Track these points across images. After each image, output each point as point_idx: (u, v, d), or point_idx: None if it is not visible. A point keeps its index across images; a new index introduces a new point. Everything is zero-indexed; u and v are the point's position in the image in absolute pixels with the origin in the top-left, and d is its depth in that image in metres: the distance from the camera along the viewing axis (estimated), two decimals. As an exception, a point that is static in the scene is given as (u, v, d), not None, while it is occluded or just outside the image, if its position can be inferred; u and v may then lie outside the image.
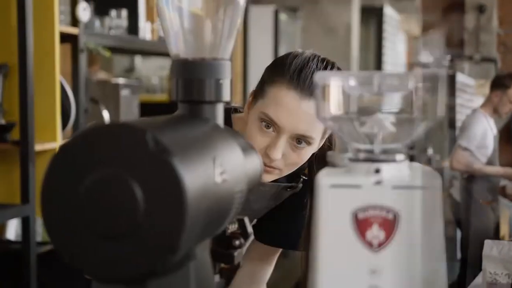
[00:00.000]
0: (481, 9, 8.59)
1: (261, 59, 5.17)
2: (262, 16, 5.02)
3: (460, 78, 6.63)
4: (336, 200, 0.66)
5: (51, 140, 2.44)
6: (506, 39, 9.56)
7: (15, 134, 2.36)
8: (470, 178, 4.21)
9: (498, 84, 4.17)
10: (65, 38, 2.60)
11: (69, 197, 0.60)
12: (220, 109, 0.78)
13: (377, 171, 0.66)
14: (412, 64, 8.94)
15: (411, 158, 0.72)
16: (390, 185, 0.65)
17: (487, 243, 1.95)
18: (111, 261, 0.60)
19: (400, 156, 0.67)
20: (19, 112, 2.33)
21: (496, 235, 4.22)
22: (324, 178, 0.66)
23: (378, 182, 0.65)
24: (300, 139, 1.22)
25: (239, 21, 0.80)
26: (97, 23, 2.91)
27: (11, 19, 2.39)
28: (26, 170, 2.27)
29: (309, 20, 5.62)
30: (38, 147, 2.36)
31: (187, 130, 0.68)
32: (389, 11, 7.67)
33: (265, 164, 1.22)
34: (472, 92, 6.70)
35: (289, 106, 1.19)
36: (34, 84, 2.34)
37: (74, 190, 0.60)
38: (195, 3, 0.78)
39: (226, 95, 0.78)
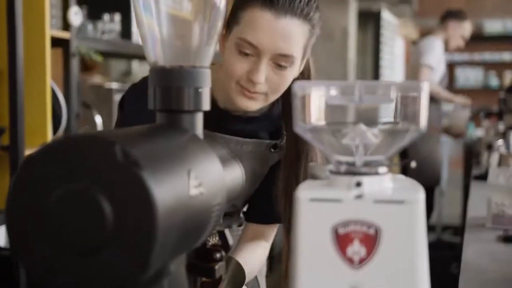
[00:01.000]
0: None
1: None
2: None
3: (385, 16, 6.79)
4: (316, 215, 0.63)
5: (41, 145, 2.41)
6: None
7: (4, 140, 2.33)
8: None
9: (454, 16, 4.40)
10: (57, 42, 2.57)
11: (35, 211, 0.58)
12: (199, 118, 0.75)
13: (358, 184, 0.63)
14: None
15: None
16: (371, 200, 0.62)
17: (493, 170, 1.82)
18: (80, 278, 0.57)
19: (382, 169, 0.65)
20: (9, 117, 2.30)
21: (436, 171, 4.25)
22: (304, 192, 0.64)
23: (359, 196, 0.63)
24: (280, 61, 1.20)
25: (219, 26, 0.78)
26: (89, 27, 2.88)
27: (1, 23, 2.36)
28: (16, 176, 2.24)
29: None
30: (28, 152, 2.33)
31: (161, 141, 0.65)
32: (386, 16, 7.65)
33: (249, 91, 1.22)
34: (394, 31, 6.99)
35: (266, 27, 1.18)
36: (24, 88, 2.31)
37: (41, 204, 0.58)
38: (174, 9, 0.76)
39: (205, 104, 0.75)
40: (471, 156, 4.39)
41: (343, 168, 0.65)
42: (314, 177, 0.70)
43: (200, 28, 0.76)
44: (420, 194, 0.62)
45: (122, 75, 5.02)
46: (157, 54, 0.75)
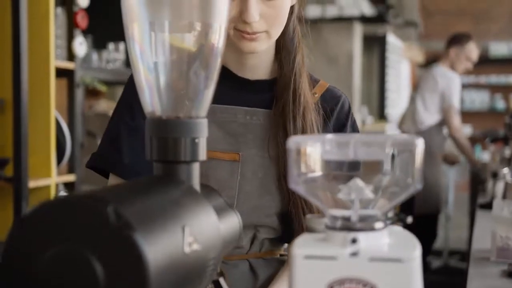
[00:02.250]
0: None
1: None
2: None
3: (391, 39, 6.80)
4: (311, 272, 0.63)
5: (45, 176, 2.42)
6: (428, 3, 9.71)
7: (8, 171, 2.33)
8: (427, 131, 4.33)
9: (455, 41, 4.44)
10: (62, 72, 2.59)
11: (27, 272, 0.57)
12: (196, 169, 0.75)
13: (354, 241, 0.63)
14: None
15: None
16: (367, 257, 0.62)
17: (497, 202, 1.77)
18: None
19: (379, 224, 0.64)
20: (13, 148, 2.30)
21: (438, 198, 4.23)
22: (299, 248, 0.63)
23: (354, 254, 0.62)
24: None
25: (215, 76, 0.77)
26: (94, 56, 2.90)
27: (6, 54, 2.37)
28: (20, 207, 2.24)
29: (312, 49, 5.58)
30: (32, 183, 2.33)
31: (155, 197, 0.65)
32: (391, 39, 7.67)
33: (247, 33, 1.16)
34: (400, 54, 6.99)
35: None
36: (28, 119, 2.32)
37: (33, 264, 0.57)
38: (171, 58, 0.76)
39: (202, 154, 0.75)
40: (477, 181, 4.37)
41: (338, 223, 0.65)
42: (311, 230, 0.70)
43: (198, 76, 0.76)
44: (416, 251, 0.62)
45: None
46: (153, 104, 0.75)
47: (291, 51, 1.28)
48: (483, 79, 9.91)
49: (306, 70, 1.29)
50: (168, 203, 0.65)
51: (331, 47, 5.80)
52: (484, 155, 6.22)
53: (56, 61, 2.51)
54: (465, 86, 9.94)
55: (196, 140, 0.74)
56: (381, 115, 7.63)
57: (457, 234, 5.85)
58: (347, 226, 0.64)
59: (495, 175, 3.05)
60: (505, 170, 2.97)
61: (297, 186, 0.66)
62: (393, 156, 0.63)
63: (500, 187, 2.85)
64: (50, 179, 2.45)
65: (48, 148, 2.41)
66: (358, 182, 0.65)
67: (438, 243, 5.44)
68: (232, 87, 1.26)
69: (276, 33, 1.20)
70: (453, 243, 5.66)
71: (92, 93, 3.71)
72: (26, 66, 2.32)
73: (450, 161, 4.66)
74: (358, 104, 6.25)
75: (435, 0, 10.00)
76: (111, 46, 3.00)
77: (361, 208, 0.65)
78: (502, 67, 9.79)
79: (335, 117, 1.30)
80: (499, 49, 9.84)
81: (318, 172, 0.66)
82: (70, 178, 2.60)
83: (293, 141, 0.65)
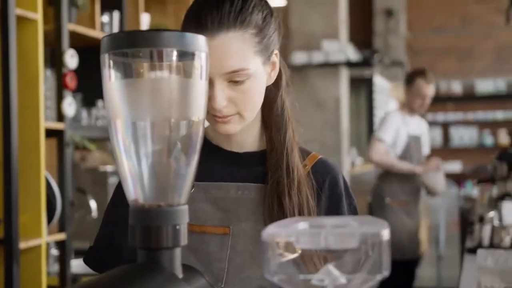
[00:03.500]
0: (389, 13, 8.89)
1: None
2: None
3: (377, 80, 6.88)
4: None
5: (36, 236, 2.44)
6: (413, 43, 9.87)
7: (-1, 232, 2.36)
8: (383, 176, 4.33)
9: (406, 81, 4.47)
10: (51, 133, 2.63)
11: None
12: (178, 253, 0.79)
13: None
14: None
15: None
16: None
17: (481, 252, 1.78)
18: None
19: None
20: (3, 210, 2.33)
21: (412, 244, 4.18)
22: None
23: None
24: (234, 77, 1.15)
25: (195, 164, 0.81)
26: (84, 113, 2.95)
27: (-4, 116, 2.42)
28: (11, 269, 2.26)
29: (299, 95, 5.66)
30: (23, 244, 2.35)
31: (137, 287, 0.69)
32: (378, 80, 7.78)
33: (218, 117, 1.17)
34: (387, 94, 7.05)
35: None
36: (19, 181, 2.36)
37: None
38: (152, 149, 0.80)
39: (183, 239, 0.79)
40: (467, 222, 4.40)
41: (313, 309, 0.68)
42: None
43: (178, 166, 0.80)
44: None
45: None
46: (136, 192, 0.79)
47: (281, 128, 1.28)
48: (470, 115, 10.03)
49: (297, 143, 1.29)
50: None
51: (318, 92, 5.89)
52: (474, 191, 6.26)
53: (46, 122, 2.55)
54: (453, 123, 10.07)
55: (177, 227, 0.78)
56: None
57: (452, 273, 5.86)
58: (321, 311, 0.68)
59: (481, 219, 3.08)
60: (491, 214, 3.00)
61: (273, 276, 0.69)
62: (361, 246, 0.67)
63: (487, 230, 2.88)
64: (40, 239, 2.47)
65: (38, 208, 2.44)
66: (331, 268, 0.69)
67: (431, 283, 5.44)
68: (223, 163, 1.28)
69: (250, 114, 1.21)
70: (447, 282, 5.66)
71: (83, 147, 3.75)
72: (16, 127, 2.37)
73: (430, 193, 4.63)
74: (347, 147, 6.31)
75: (421, 39, 10.17)
76: (100, 103, 3.05)
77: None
78: (489, 104, 9.92)
79: (328, 189, 1.29)
80: (485, 86, 9.99)
81: (292, 261, 0.70)
82: (61, 236, 2.62)
83: (267, 233, 0.69)
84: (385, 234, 0.67)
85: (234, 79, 1.16)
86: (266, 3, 1.22)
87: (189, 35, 0.79)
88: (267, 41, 1.20)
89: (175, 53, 0.79)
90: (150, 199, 0.79)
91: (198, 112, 0.80)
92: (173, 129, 0.79)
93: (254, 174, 1.28)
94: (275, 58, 1.25)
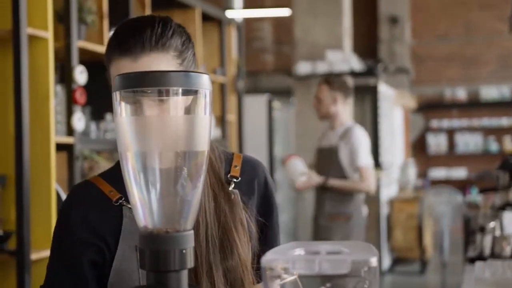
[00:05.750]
0: (393, 20, 8.91)
1: (256, 146, 5.29)
2: (256, 105, 5.16)
3: (382, 88, 6.95)
4: None
5: (47, 248, 2.50)
6: (418, 50, 9.93)
7: (11, 244, 2.43)
8: (321, 191, 4.02)
9: None
10: (62, 147, 2.71)
11: None
12: (184, 275, 0.86)
13: None
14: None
15: None
16: None
17: (478, 265, 1.81)
18: None
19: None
20: (15, 222, 2.41)
21: None
22: None
23: None
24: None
25: (200, 191, 0.88)
26: (93, 127, 3.02)
27: (8, 132, 2.50)
28: (22, 280, 2.34)
29: (302, 104, 5.76)
30: (34, 255, 2.43)
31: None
32: (383, 88, 7.83)
33: None
34: (392, 101, 7.10)
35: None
36: (30, 194, 2.43)
37: None
38: (161, 181, 0.87)
39: (190, 262, 0.86)
40: (469, 230, 4.44)
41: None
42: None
43: (185, 193, 0.87)
44: None
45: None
46: (146, 219, 0.86)
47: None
48: (475, 122, 10.08)
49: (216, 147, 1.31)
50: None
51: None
52: (479, 197, 6.30)
53: (56, 137, 2.63)
54: (458, 130, 10.12)
55: (184, 251, 0.85)
56: (376, 163, 7.74)
57: (456, 279, 5.90)
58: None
59: (482, 229, 3.13)
60: (492, 224, 3.05)
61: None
62: (352, 272, 0.74)
63: (488, 241, 2.93)
64: (51, 250, 2.54)
65: (49, 220, 2.51)
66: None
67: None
68: None
69: None
70: (452, 289, 5.71)
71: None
72: (28, 142, 2.45)
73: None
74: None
75: (426, 47, 10.24)
76: (108, 116, 3.13)
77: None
78: (494, 110, 9.97)
79: (259, 187, 1.32)
80: (489, 92, 10.04)
81: (289, 284, 0.77)
82: (71, 247, 2.69)
83: (266, 259, 0.76)
84: (374, 261, 0.73)
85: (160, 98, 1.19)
86: (184, 30, 1.26)
87: (193, 75, 0.87)
88: (187, 64, 1.24)
89: (180, 91, 0.86)
90: (158, 225, 0.86)
91: (202, 144, 0.87)
92: (179, 161, 0.86)
93: None
94: None
